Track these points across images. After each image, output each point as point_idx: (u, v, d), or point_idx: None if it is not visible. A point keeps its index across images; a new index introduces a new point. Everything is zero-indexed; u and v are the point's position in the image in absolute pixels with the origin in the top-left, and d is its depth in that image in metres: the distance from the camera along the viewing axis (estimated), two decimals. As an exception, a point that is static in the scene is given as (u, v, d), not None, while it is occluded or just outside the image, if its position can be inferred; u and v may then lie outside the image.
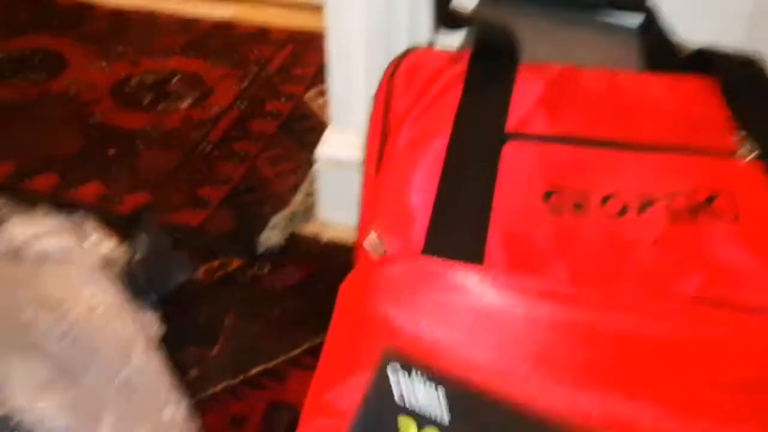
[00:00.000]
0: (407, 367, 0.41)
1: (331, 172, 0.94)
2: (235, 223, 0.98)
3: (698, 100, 0.59)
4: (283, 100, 1.24)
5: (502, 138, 0.54)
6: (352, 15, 0.80)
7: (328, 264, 0.92)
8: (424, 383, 0.41)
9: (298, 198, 1.01)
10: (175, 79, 1.29)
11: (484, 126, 0.55)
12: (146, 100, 1.23)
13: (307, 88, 1.28)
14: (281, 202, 1.00)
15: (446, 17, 0.66)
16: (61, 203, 0.97)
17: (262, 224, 0.96)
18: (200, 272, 0.90)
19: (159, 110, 1.21)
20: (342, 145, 0.90)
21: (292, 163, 1.08)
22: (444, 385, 0.40)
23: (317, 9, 0.82)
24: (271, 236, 0.94)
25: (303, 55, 1.38)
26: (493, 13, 0.69)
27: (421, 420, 0.39)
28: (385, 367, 0.41)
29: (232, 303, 0.87)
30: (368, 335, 0.44)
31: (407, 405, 0.40)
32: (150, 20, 1.49)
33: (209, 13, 1.52)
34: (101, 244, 0.72)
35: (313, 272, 0.91)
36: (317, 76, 1.29)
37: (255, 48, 1.39)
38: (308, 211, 0.99)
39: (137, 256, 0.75)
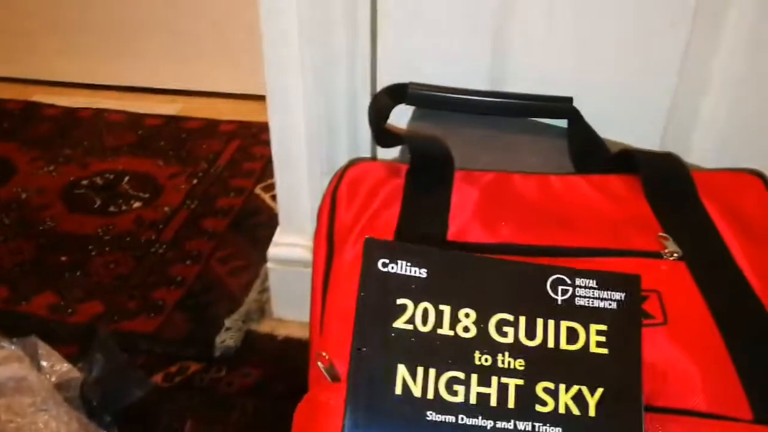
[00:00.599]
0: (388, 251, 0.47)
1: (282, 272, 0.95)
2: (190, 326, 0.98)
3: (624, 199, 0.62)
4: (233, 195, 1.26)
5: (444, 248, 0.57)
6: (294, 118, 0.83)
7: (284, 362, 0.93)
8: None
9: (252, 296, 1.02)
10: (125, 180, 1.30)
11: (423, 240, 0.58)
12: (97, 203, 1.24)
13: (257, 181, 1.30)
14: (235, 302, 1.01)
15: (382, 136, 0.69)
16: (13, 317, 0.97)
17: (217, 326, 0.97)
18: (158, 377, 0.90)
19: (110, 213, 1.22)
20: (292, 246, 0.93)
21: (245, 260, 1.10)
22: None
23: (264, 99, 0.84)
24: (227, 338, 0.95)
25: (252, 147, 1.40)
26: (427, 126, 0.73)
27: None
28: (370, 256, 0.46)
29: (191, 408, 0.87)
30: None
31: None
32: (97, 119, 1.51)
33: (156, 108, 1.54)
34: (55, 368, 0.72)
35: (270, 372, 0.91)
36: (267, 167, 1.31)
37: (204, 142, 1.42)
38: (262, 309, 1.00)
39: (92, 376, 0.75)
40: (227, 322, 0.97)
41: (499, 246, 0.58)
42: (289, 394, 0.53)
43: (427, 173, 0.63)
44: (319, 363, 0.50)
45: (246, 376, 0.91)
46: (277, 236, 0.94)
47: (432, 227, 0.59)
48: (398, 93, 0.74)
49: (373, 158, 0.84)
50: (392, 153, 0.77)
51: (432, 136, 0.65)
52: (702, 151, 0.74)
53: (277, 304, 0.99)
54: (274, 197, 1.20)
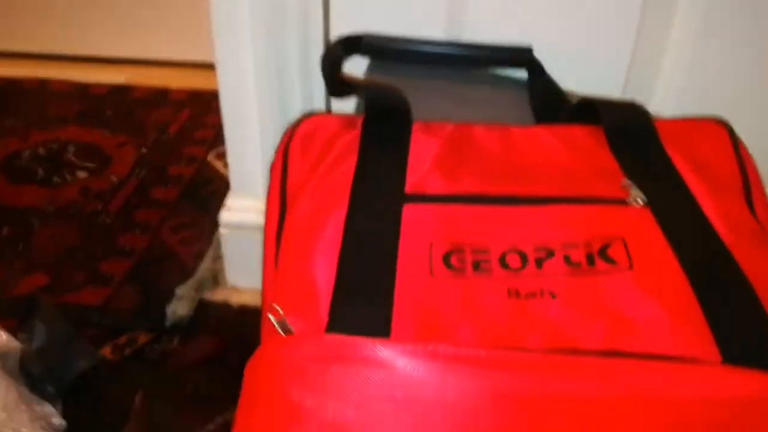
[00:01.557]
0: None
1: (236, 237, 0.92)
2: (140, 297, 0.95)
3: (587, 148, 0.61)
4: (184, 164, 1.22)
5: (401, 201, 0.54)
6: (244, 77, 0.79)
7: (239, 331, 0.90)
8: None
9: (205, 265, 0.98)
10: (69, 151, 1.25)
11: (381, 192, 0.55)
12: (39, 174, 1.19)
13: (209, 149, 1.26)
14: (187, 272, 0.97)
15: (336, 85, 0.67)
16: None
17: (168, 296, 0.93)
18: (106, 350, 0.86)
19: (54, 184, 1.17)
20: (244, 210, 0.89)
21: (197, 229, 1.06)
22: None
23: (214, 67, 0.81)
24: (179, 307, 0.91)
25: (203, 116, 1.36)
26: (383, 77, 0.70)
27: None
28: None
29: (142, 381, 0.83)
30: (275, 422, 0.43)
31: None
32: (41, 89, 1.45)
33: (103, 77, 1.49)
34: (-7, 337, 0.68)
35: (224, 342, 0.88)
36: (219, 135, 1.27)
37: (153, 112, 1.37)
38: (216, 278, 0.97)
39: (34, 346, 0.71)
40: (179, 291, 0.93)
41: (459, 196, 0.56)
42: (244, 364, 0.50)
43: (384, 123, 0.60)
44: (271, 315, 0.47)
45: (199, 347, 0.88)
46: (230, 200, 0.90)
47: (390, 179, 0.57)
48: (352, 44, 0.71)
49: (328, 112, 0.81)
50: (347, 109, 0.74)
51: (388, 84, 0.63)
52: (665, 99, 0.73)
53: (231, 272, 0.96)
54: (227, 165, 1.16)
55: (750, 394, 0.43)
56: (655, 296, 0.49)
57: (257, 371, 0.46)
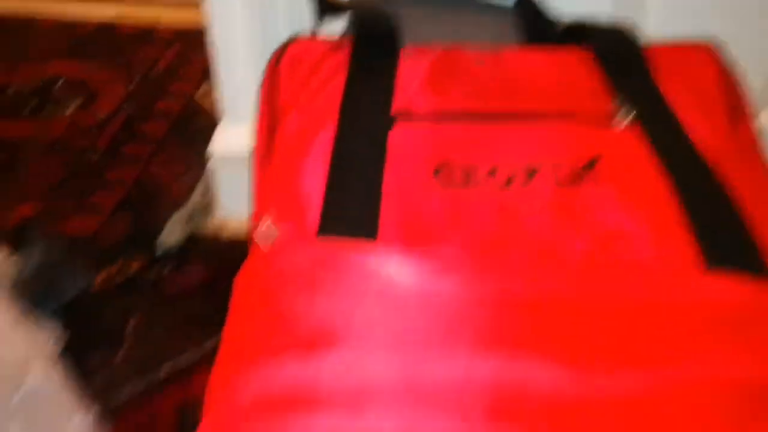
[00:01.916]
0: None
1: (226, 168, 0.92)
2: (131, 227, 0.95)
3: (576, 70, 0.61)
4: (172, 99, 1.21)
5: (389, 120, 0.55)
6: (232, 5, 0.79)
7: (230, 261, 0.90)
8: None
9: (196, 197, 0.99)
10: (57, 85, 1.24)
11: (370, 110, 0.55)
12: (27, 109, 1.18)
13: (197, 86, 1.25)
14: (177, 204, 0.98)
15: (324, 5, 0.66)
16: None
17: (159, 226, 0.94)
18: (99, 279, 0.87)
19: (41, 118, 1.16)
20: (234, 139, 0.89)
21: (186, 163, 1.06)
22: None
23: (201, 5, 0.80)
24: (170, 237, 0.92)
25: (191, 52, 1.35)
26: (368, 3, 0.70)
27: None
28: None
29: (134, 307, 0.85)
30: (265, 324, 0.43)
31: None
32: (28, 25, 1.43)
33: (91, 13, 1.47)
34: (-14, 259, 0.68)
35: (216, 270, 0.89)
36: (207, 73, 1.26)
37: (141, 48, 1.36)
38: (207, 209, 0.98)
39: (28, 268, 0.72)
40: (170, 221, 0.94)
41: (448, 114, 0.56)
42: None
43: (373, 44, 0.60)
44: (260, 224, 0.48)
45: (191, 275, 0.89)
46: (220, 129, 0.90)
47: (379, 98, 0.57)
48: (340, -34, 0.70)
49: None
50: (334, 35, 0.73)
51: (376, 6, 0.63)
52: (655, 19, 0.73)
53: (222, 204, 0.96)
54: (214, 102, 1.15)
55: (733, 299, 0.44)
56: (640, 210, 0.50)
57: (247, 279, 0.47)
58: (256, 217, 0.52)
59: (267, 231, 0.48)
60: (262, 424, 0.39)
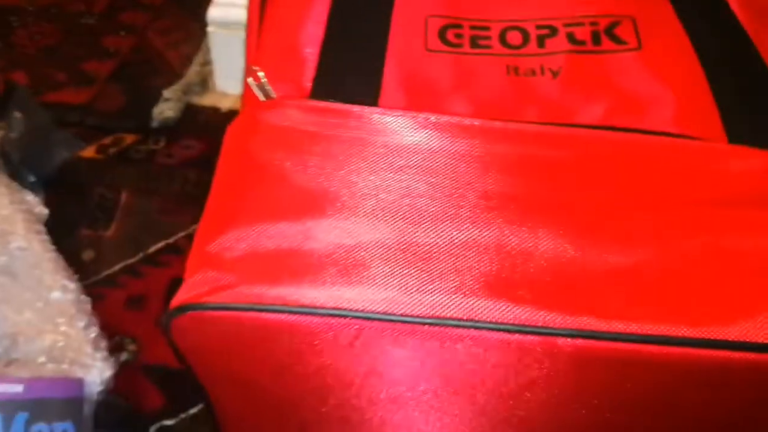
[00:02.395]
0: None
1: (225, 38, 0.87)
2: (125, 98, 0.91)
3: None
4: (171, -34, 1.14)
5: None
6: None
7: (228, 135, 0.87)
8: None
9: (193, 69, 0.94)
10: (49, -52, 1.17)
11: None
12: (18, -28, 1.12)
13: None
14: (175, 75, 0.93)
15: None
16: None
17: (155, 97, 0.90)
18: (91, 150, 0.84)
19: (33, -18, 1.10)
20: (233, 5, 0.84)
21: (185, 33, 1.01)
22: None
23: None
24: (166, 109, 0.88)
25: None
26: None
27: None
28: None
29: (127, 180, 0.82)
30: (255, 182, 0.40)
31: None
32: None
33: None
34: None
35: (212, 144, 0.86)
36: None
37: None
38: (204, 82, 0.93)
39: (12, 134, 0.68)
40: (166, 93, 0.89)
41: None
42: None
43: None
44: (250, 79, 0.44)
45: (187, 148, 0.85)
46: (218, -7, 0.85)
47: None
48: None
49: None
50: None
51: None
52: None
53: (221, 77, 0.92)
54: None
55: (753, 170, 0.40)
56: (662, 76, 0.46)
57: (238, 133, 0.43)
58: (250, 71, 0.48)
59: (258, 84, 0.44)
60: (247, 286, 0.36)
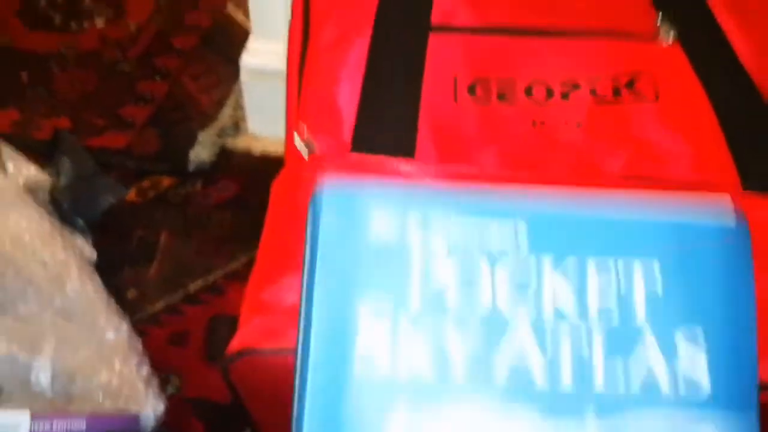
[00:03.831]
0: None
1: (257, 83, 0.92)
2: (162, 142, 0.95)
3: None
4: (203, 12, 1.19)
5: (427, 30, 0.54)
6: None
7: (261, 177, 0.90)
8: None
9: (226, 112, 0.98)
10: (86, -3, 1.22)
11: (407, 19, 0.54)
12: (57, 20, 1.17)
13: None
14: (209, 118, 0.98)
15: None
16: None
17: (190, 141, 0.94)
18: (131, 193, 0.88)
19: (72, 30, 1.15)
20: (266, 53, 0.88)
21: (218, 77, 1.05)
22: None
23: None
24: (201, 152, 0.92)
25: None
26: None
27: None
28: None
29: (166, 221, 0.86)
30: (300, 234, 0.44)
31: None
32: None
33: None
34: (22, 170, 0.69)
35: (246, 186, 0.90)
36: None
37: (169, -40, 1.33)
38: (237, 125, 0.97)
39: (62, 180, 0.73)
40: (201, 137, 0.94)
41: (487, 28, 0.55)
42: (266, 207, 0.51)
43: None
44: (296, 135, 0.47)
45: (222, 190, 0.89)
46: (251, 42, 0.89)
47: (416, 8, 0.55)
48: None
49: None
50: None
51: None
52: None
53: (253, 120, 0.96)
54: (246, 14, 1.14)
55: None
56: (680, 128, 0.49)
57: (284, 186, 0.47)
58: (291, 126, 0.52)
59: (303, 140, 0.48)
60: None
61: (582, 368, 0.31)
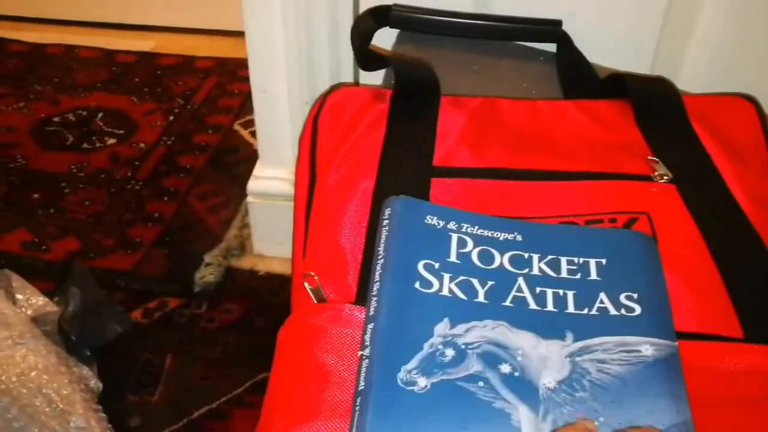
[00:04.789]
0: None
1: (263, 206, 0.94)
2: (169, 263, 0.97)
3: (614, 123, 0.61)
4: (210, 131, 1.23)
5: (429, 174, 0.56)
6: (273, 48, 0.80)
7: (265, 298, 0.92)
8: None
9: (232, 232, 1.00)
10: (98, 117, 1.26)
11: (409, 164, 0.56)
12: (69, 140, 1.21)
13: (236, 118, 1.27)
14: (215, 238, 0.99)
15: (365, 57, 0.67)
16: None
17: (196, 262, 0.95)
18: (137, 314, 0.89)
19: (84, 150, 1.19)
20: (272, 179, 0.91)
21: (224, 196, 1.08)
22: None
23: (241, 35, 0.81)
24: (207, 274, 0.93)
25: (230, 83, 1.37)
26: (412, 50, 0.70)
27: None
28: None
29: (171, 344, 0.86)
30: (309, 382, 0.44)
31: None
32: (67, 55, 1.46)
33: (129, 45, 1.50)
34: (30, 302, 0.70)
35: (251, 307, 0.90)
36: (246, 104, 1.28)
37: (179, 79, 1.38)
38: (243, 245, 0.99)
39: (69, 311, 0.73)
40: (207, 258, 0.95)
41: (486, 170, 0.57)
42: (271, 329, 0.51)
43: (413, 97, 0.61)
44: (307, 284, 0.48)
45: (227, 312, 0.90)
46: (257, 169, 0.92)
47: (418, 153, 0.58)
48: (381, 15, 0.71)
49: (356, 84, 0.82)
50: (375, 80, 0.74)
51: (417, 59, 0.63)
52: (694, 76, 0.73)
53: (258, 240, 0.98)
54: (253, 133, 1.17)
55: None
56: (679, 273, 0.49)
57: (290, 336, 0.48)
58: (297, 271, 0.53)
59: (313, 288, 0.49)
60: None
61: (559, 300, 0.46)
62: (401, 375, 0.42)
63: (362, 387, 0.42)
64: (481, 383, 0.42)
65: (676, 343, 0.44)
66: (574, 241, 0.50)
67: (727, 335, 0.46)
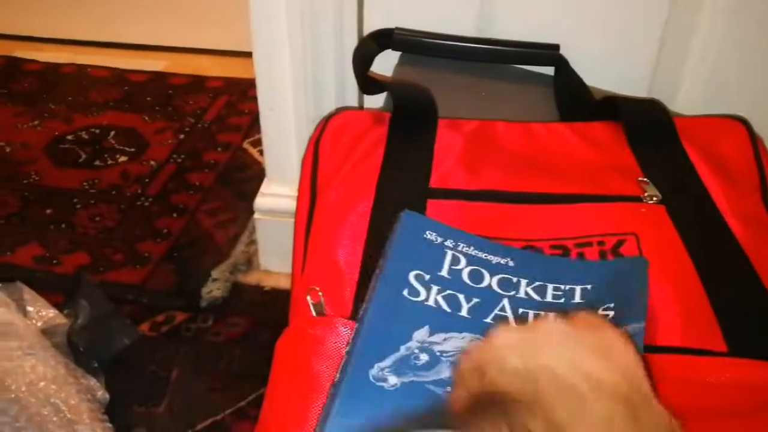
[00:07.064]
0: None
1: (269, 222, 0.96)
2: (176, 278, 0.99)
3: (606, 146, 0.63)
4: (220, 149, 1.26)
5: (425, 196, 0.57)
6: (281, 70, 0.82)
7: (271, 312, 0.94)
8: None
9: (239, 248, 1.02)
10: (110, 135, 1.29)
11: (406, 186, 0.58)
12: (82, 157, 1.24)
13: (245, 136, 1.30)
14: (222, 254, 1.01)
15: (366, 82, 0.69)
16: (-1, 268, 0.97)
17: (203, 277, 0.97)
18: (145, 327, 0.91)
19: (95, 167, 1.21)
20: (279, 196, 0.93)
21: (232, 213, 1.10)
22: None
23: (252, 56, 0.84)
24: (214, 289, 0.95)
25: (240, 103, 1.40)
26: (411, 73, 0.73)
27: None
28: None
29: (178, 358, 0.88)
30: (306, 393, 0.46)
31: None
32: (81, 74, 1.50)
33: (141, 65, 1.53)
34: (41, 314, 0.72)
35: (257, 322, 0.92)
36: (255, 123, 1.30)
37: (190, 98, 1.41)
38: (249, 261, 1.01)
39: (78, 323, 0.75)
40: (214, 273, 0.97)
41: (481, 192, 0.58)
42: (275, 344, 0.53)
43: (410, 120, 0.63)
44: (309, 297, 0.50)
45: (233, 326, 0.92)
46: (265, 187, 0.94)
47: (415, 175, 0.59)
48: (384, 38, 0.74)
49: (360, 107, 0.84)
50: (380, 101, 0.77)
51: (415, 83, 0.65)
52: (692, 97, 0.75)
53: (265, 256, 1.00)
54: (262, 152, 1.19)
55: (754, 381, 0.45)
56: (665, 290, 0.51)
57: (288, 347, 0.49)
58: (296, 286, 0.55)
59: (315, 303, 0.50)
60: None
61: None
62: (373, 371, 0.44)
63: (337, 379, 0.44)
64: (449, 388, 0.43)
65: (643, 324, 0.46)
66: (565, 271, 0.51)
67: (711, 349, 0.47)
